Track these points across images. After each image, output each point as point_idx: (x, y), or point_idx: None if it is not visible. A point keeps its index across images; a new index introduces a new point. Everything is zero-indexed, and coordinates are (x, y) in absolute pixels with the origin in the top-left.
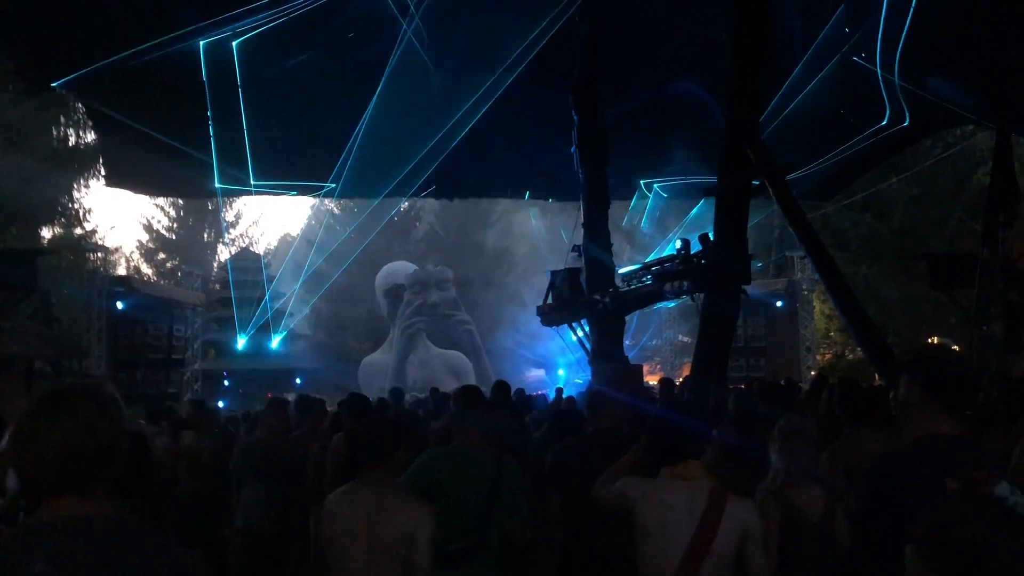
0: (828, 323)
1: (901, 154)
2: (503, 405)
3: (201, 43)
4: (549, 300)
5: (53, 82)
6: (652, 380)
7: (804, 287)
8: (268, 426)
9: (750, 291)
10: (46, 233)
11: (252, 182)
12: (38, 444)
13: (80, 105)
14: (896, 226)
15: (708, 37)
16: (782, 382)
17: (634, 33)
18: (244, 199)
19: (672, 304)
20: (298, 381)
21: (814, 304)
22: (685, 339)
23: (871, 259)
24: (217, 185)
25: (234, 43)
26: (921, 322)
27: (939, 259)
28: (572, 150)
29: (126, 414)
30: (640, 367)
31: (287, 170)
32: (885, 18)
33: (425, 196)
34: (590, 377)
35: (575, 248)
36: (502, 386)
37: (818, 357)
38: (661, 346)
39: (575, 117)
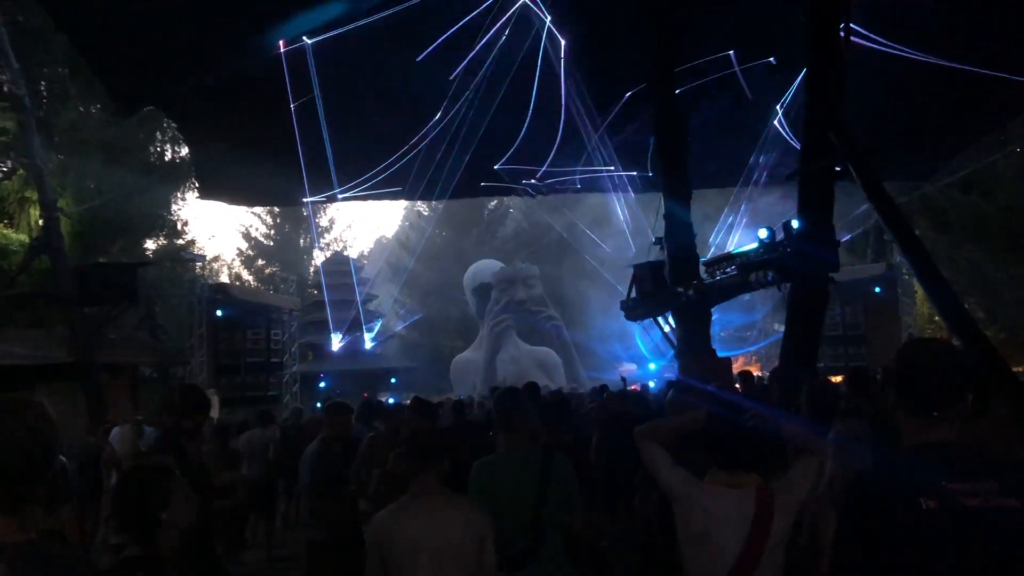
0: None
1: (1005, 128)
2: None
3: (282, 51)
4: (633, 294)
5: (142, 101)
6: (750, 370)
7: (905, 271)
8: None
9: (845, 277)
10: (148, 245)
11: (337, 191)
12: None
13: (172, 120)
14: (1002, 204)
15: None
16: (879, 372)
17: (707, 15)
18: (337, 204)
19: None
20: (393, 380)
21: (915, 288)
22: (780, 327)
23: (976, 241)
24: (306, 199)
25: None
26: None
27: None
28: (651, 140)
29: (56, 431)
30: (728, 360)
31: (370, 175)
32: None
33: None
34: (677, 372)
35: (657, 240)
36: (532, 387)
37: None
38: (755, 336)
39: (651, 100)
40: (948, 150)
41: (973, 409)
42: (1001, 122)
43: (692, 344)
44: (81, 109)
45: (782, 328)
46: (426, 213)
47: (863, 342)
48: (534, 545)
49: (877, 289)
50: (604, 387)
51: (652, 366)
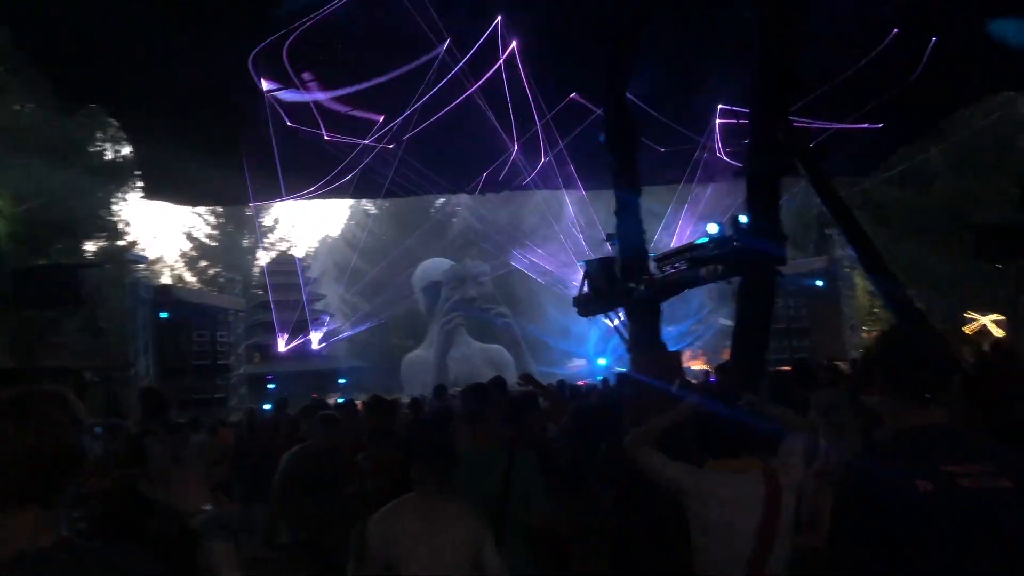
0: (872, 300)
1: (939, 124)
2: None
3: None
4: (584, 290)
5: (85, 99)
6: (694, 365)
7: (846, 264)
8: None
9: (789, 271)
10: (90, 247)
11: (283, 191)
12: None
13: (115, 120)
14: (938, 199)
15: (734, 13)
16: (824, 363)
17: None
18: (281, 204)
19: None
20: (342, 381)
21: (856, 281)
22: (727, 323)
23: (914, 234)
24: (252, 203)
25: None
26: (967, 296)
27: (983, 231)
28: (600, 138)
29: (85, 420)
30: (679, 354)
31: (318, 175)
32: None
33: (459, 192)
34: (628, 366)
35: (608, 236)
36: (499, 383)
37: (864, 335)
38: (703, 331)
39: (603, 99)
40: (886, 146)
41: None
42: (937, 118)
43: (643, 339)
44: (19, 107)
45: (725, 321)
46: (373, 211)
47: (806, 334)
48: (498, 536)
49: (819, 282)
50: (562, 382)
51: (602, 361)
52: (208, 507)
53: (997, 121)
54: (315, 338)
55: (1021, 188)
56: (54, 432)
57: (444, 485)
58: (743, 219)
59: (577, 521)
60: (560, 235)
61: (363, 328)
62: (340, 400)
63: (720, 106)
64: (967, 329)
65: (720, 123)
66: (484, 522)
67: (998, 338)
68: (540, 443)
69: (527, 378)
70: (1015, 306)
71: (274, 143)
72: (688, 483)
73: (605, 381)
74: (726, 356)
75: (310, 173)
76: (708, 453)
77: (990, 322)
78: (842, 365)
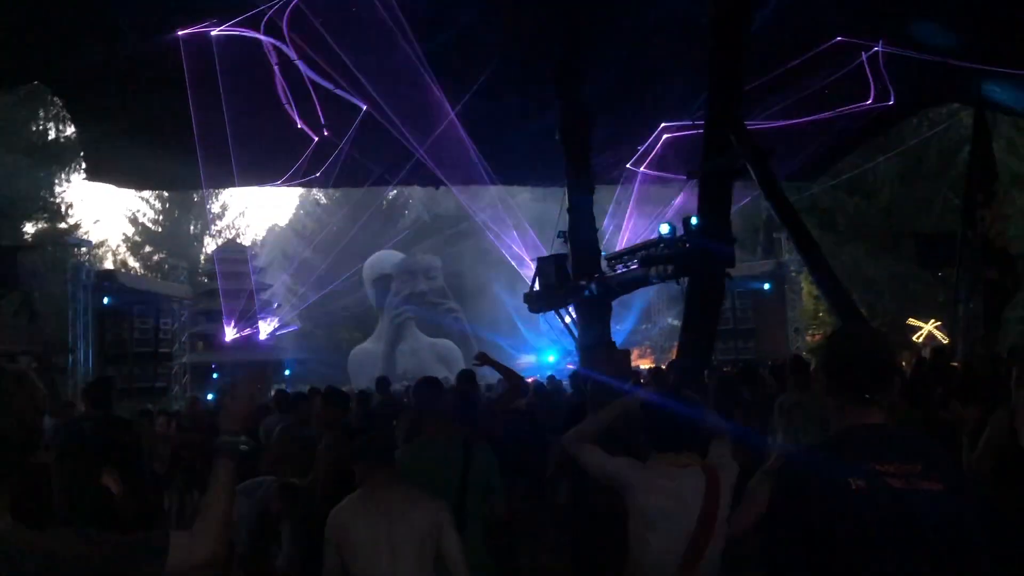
0: (817, 304)
1: (886, 134)
2: (468, 393)
3: (180, 35)
4: (536, 287)
5: (29, 76)
6: (643, 364)
7: (792, 268)
8: None
9: (737, 273)
10: (28, 228)
11: (236, 177)
12: None
13: (58, 99)
14: (883, 206)
15: (690, 14)
16: (769, 363)
17: (614, 12)
18: (230, 190)
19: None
20: (288, 372)
21: (802, 285)
22: (675, 323)
23: (858, 239)
24: (203, 190)
25: (212, 33)
26: (909, 302)
27: (926, 238)
28: (556, 136)
29: (44, 401)
30: (628, 352)
31: (271, 162)
32: None
33: (411, 184)
34: (577, 363)
35: (561, 234)
36: (467, 375)
37: (808, 338)
38: (650, 330)
39: (557, 100)
40: (835, 153)
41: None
42: (884, 127)
43: (594, 336)
44: None
45: (672, 321)
46: (324, 201)
47: (752, 336)
48: (457, 525)
49: (766, 285)
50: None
51: (551, 358)
52: None
53: (942, 132)
54: (263, 328)
55: (963, 198)
56: (13, 411)
57: (392, 476)
58: (694, 221)
59: (533, 515)
60: (513, 230)
61: (308, 315)
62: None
63: (663, 124)
64: (915, 337)
65: (668, 137)
66: (442, 504)
67: (939, 343)
68: (493, 436)
69: (483, 357)
70: (953, 313)
71: (227, 125)
72: (631, 477)
73: (551, 379)
74: (673, 355)
75: (265, 158)
76: (653, 446)
77: (934, 328)
78: None
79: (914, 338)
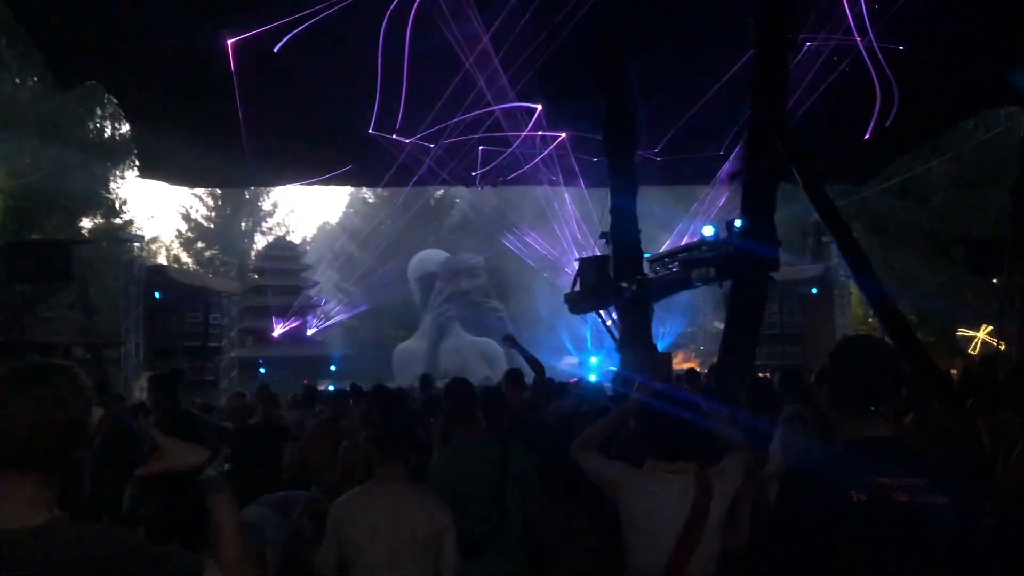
0: (867, 309)
1: (940, 137)
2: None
3: (228, 41)
4: (577, 288)
5: (84, 75)
6: (687, 367)
7: (841, 273)
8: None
9: (784, 277)
10: (85, 224)
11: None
12: (4, 416)
13: (114, 97)
14: (935, 211)
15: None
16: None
17: (657, 13)
18: (281, 188)
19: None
20: (333, 368)
21: (851, 290)
22: (720, 326)
23: (909, 245)
24: (253, 187)
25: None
26: (961, 309)
27: (977, 244)
28: (600, 137)
29: (92, 395)
30: (668, 355)
31: (315, 160)
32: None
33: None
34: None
35: (603, 235)
36: (514, 374)
37: None
38: (696, 333)
39: (601, 99)
40: (885, 156)
41: (907, 405)
42: (938, 130)
43: (633, 338)
44: (17, 81)
45: (718, 323)
46: (372, 200)
47: (799, 341)
48: (493, 532)
49: (814, 290)
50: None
51: (594, 360)
52: None
53: (998, 136)
54: (310, 324)
55: (1012, 200)
56: (59, 403)
57: (407, 473)
58: (738, 223)
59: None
60: (556, 230)
61: (356, 312)
62: (331, 387)
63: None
64: (971, 348)
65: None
66: (449, 514)
67: (992, 349)
68: (528, 436)
69: (511, 339)
70: (1002, 320)
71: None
72: (621, 478)
73: (577, 383)
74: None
75: (312, 156)
76: (647, 452)
77: (986, 335)
78: None
79: (969, 349)
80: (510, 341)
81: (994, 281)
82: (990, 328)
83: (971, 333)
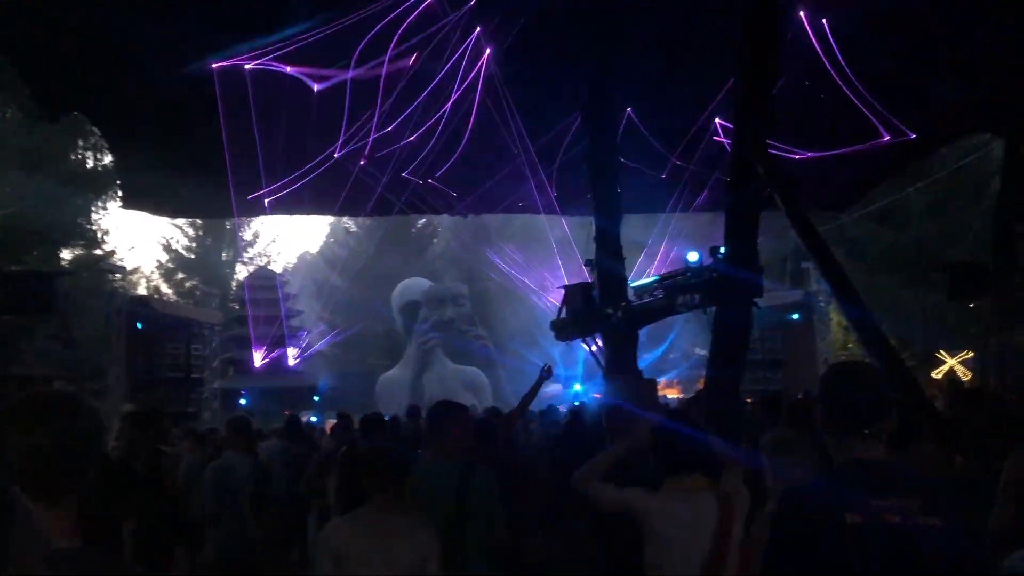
0: (847, 335)
1: (918, 164)
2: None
3: (213, 67)
4: (562, 315)
5: (68, 106)
6: (670, 393)
7: (820, 299)
8: None
9: (764, 303)
10: (66, 255)
11: (267, 206)
12: (20, 445)
13: (97, 128)
14: (914, 236)
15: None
16: (800, 396)
17: (644, 39)
18: (262, 219)
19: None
20: (316, 398)
21: (831, 316)
22: (703, 353)
23: (889, 271)
24: (235, 218)
25: (246, 67)
26: (942, 333)
27: (958, 269)
28: (583, 163)
29: (103, 427)
30: (654, 381)
31: (298, 190)
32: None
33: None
34: (603, 392)
35: (588, 262)
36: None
37: None
38: (678, 360)
39: (585, 126)
40: (864, 183)
41: (896, 429)
42: (915, 157)
43: (619, 365)
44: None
45: (701, 351)
46: (353, 230)
47: (780, 367)
48: (453, 548)
49: (795, 315)
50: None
51: (578, 387)
52: None
53: (974, 162)
54: (292, 354)
55: (994, 228)
56: (77, 430)
57: (396, 499)
58: (722, 250)
59: (554, 550)
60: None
61: (338, 340)
62: (314, 418)
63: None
64: (935, 373)
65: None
66: (434, 537)
67: (957, 379)
68: (507, 465)
69: (548, 371)
70: (985, 345)
71: (260, 156)
72: (643, 506)
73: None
74: (701, 386)
75: (296, 187)
76: (664, 470)
77: (957, 364)
78: None
79: (933, 374)
80: (547, 372)
81: (971, 306)
82: (965, 354)
83: (946, 357)
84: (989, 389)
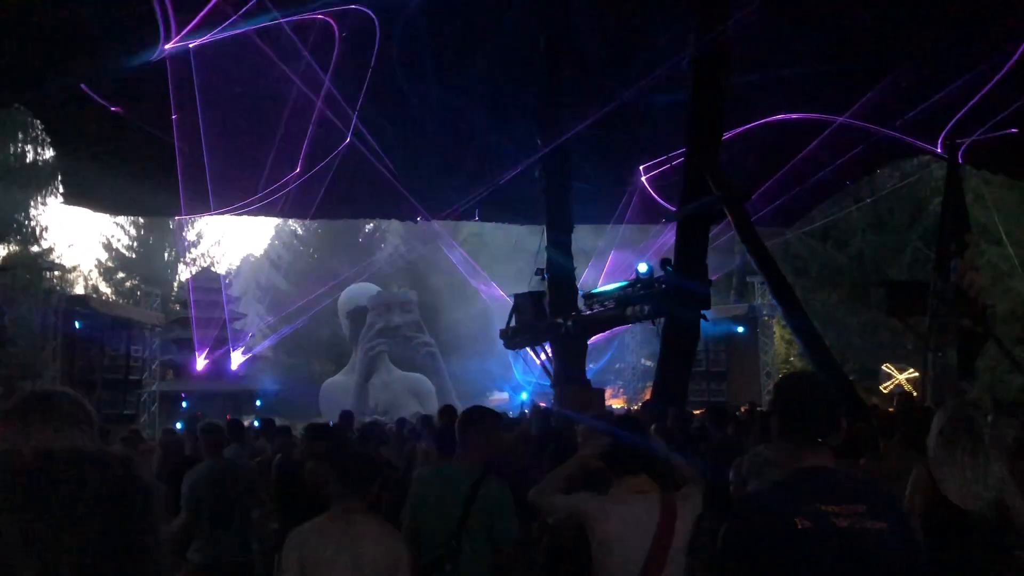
0: (788, 348)
1: (859, 183)
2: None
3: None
4: (512, 323)
5: (10, 99)
6: (615, 404)
7: (764, 313)
8: None
9: (711, 316)
10: (1, 251)
11: (212, 205)
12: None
13: (38, 121)
14: (854, 254)
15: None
16: (743, 408)
17: (597, 52)
18: (206, 219)
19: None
20: (259, 403)
21: (774, 330)
22: (648, 363)
23: (830, 286)
24: (181, 216)
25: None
26: (878, 349)
27: (896, 287)
28: (536, 174)
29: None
30: (602, 390)
31: (247, 190)
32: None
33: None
34: (553, 400)
35: (539, 271)
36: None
37: None
38: (623, 370)
39: (538, 139)
40: (808, 200)
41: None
42: (857, 176)
43: (568, 374)
44: None
45: (646, 362)
46: (300, 232)
47: (724, 378)
48: (445, 557)
49: (740, 328)
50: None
51: (524, 395)
52: None
53: (914, 184)
54: (235, 358)
55: (935, 248)
56: (81, 427)
57: (365, 505)
58: (672, 262)
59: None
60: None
61: (283, 343)
62: (256, 422)
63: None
64: (883, 387)
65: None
66: (401, 543)
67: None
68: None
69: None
70: (924, 362)
71: (205, 155)
72: (589, 506)
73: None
74: (647, 396)
75: (241, 187)
76: (612, 473)
77: (905, 379)
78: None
79: (882, 387)
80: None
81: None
82: (911, 372)
83: (893, 372)
84: (925, 403)
